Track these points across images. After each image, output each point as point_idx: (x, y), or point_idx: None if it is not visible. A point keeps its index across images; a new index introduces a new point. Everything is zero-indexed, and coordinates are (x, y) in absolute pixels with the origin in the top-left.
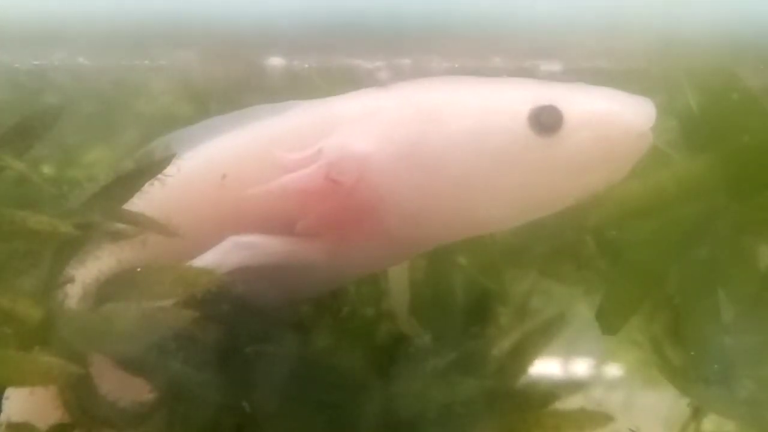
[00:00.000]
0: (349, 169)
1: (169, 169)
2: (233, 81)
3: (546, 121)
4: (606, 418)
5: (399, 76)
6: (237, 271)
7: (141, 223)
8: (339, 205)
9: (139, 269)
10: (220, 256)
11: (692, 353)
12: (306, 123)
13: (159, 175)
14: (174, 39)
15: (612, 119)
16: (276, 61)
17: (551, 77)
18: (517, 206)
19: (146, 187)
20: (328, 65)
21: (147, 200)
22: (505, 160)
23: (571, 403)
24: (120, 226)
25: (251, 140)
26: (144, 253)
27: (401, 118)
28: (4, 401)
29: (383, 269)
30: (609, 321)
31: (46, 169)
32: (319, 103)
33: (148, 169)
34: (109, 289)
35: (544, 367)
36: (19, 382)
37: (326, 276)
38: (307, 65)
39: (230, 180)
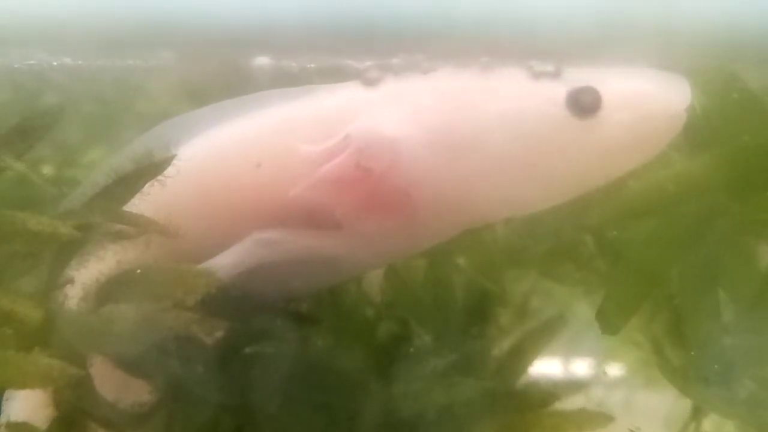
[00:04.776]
0: (379, 154)
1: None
2: (222, 80)
3: (584, 103)
4: (606, 418)
5: (388, 75)
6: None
7: (140, 224)
8: (370, 191)
9: (138, 271)
10: (242, 255)
11: (692, 353)
12: (326, 109)
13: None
14: (169, 38)
15: (651, 99)
16: (264, 61)
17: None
18: (552, 188)
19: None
20: (318, 65)
21: (156, 194)
22: (543, 143)
23: (571, 403)
24: (120, 226)
25: (269, 127)
26: (157, 251)
27: (430, 101)
28: (4, 402)
29: (402, 259)
30: (609, 321)
31: (46, 169)
32: (333, 90)
33: (148, 169)
34: (109, 290)
35: (544, 367)
36: (20, 384)
37: (346, 268)
38: (295, 65)
39: (249, 169)
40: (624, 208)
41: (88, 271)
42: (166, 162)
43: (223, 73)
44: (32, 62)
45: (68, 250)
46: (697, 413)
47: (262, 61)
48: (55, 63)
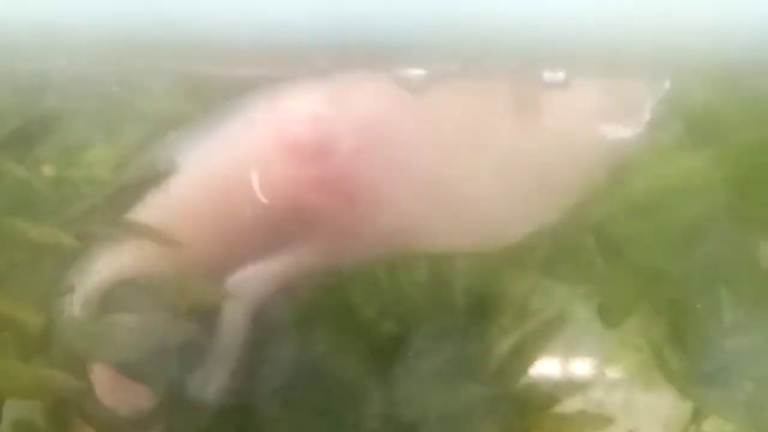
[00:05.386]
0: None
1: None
2: (224, 85)
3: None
4: (606, 420)
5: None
6: None
7: (143, 234)
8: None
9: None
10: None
11: (693, 354)
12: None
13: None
14: (170, 43)
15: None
16: (263, 64)
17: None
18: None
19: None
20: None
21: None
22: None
23: (571, 404)
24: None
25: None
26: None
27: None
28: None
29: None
30: (611, 315)
31: (46, 171)
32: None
33: (150, 179)
34: (111, 299)
35: (544, 368)
36: (19, 396)
37: None
38: (295, 73)
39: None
40: (625, 207)
41: (90, 279)
42: (167, 172)
43: (224, 78)
44: (32, 64)
45: (70, 258)
46: (697, 415)
47: (261, 66)
48: (55, 65)
